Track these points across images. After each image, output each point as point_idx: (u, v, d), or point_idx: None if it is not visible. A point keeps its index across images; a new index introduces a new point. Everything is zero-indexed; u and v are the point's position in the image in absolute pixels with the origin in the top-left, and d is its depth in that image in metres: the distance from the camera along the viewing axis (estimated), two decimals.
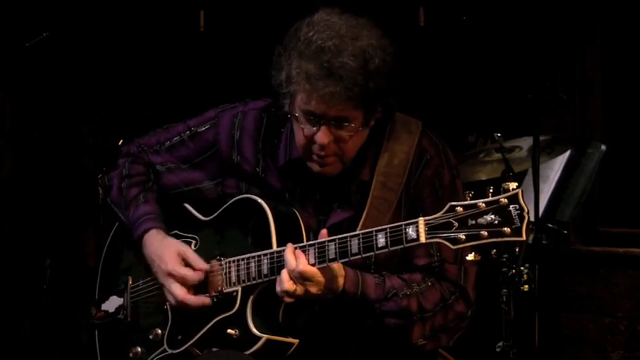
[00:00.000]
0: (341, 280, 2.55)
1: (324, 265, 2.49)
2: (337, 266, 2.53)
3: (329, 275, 2.52)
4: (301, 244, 2.54)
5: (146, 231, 2.80)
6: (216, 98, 3.03)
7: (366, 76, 2.48)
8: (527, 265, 3.46)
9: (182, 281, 2.69)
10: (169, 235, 2.83)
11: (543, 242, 3.88)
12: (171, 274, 2.71)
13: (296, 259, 2.49)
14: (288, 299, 2.52)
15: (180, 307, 2.70)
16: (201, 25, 4.83)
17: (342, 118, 2.53)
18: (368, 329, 2.65)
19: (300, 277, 2.48)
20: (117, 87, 4.94)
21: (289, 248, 2.52)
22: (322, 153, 2.58)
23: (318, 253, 2.49)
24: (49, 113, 4.69)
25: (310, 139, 2.58)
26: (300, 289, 2.49)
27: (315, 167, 2.64)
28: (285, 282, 2.49)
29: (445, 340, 2.70)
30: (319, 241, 2.51)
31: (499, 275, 3.44)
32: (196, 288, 2.71)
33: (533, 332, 3.54)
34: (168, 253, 2.72)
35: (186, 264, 2.71)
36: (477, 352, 3.76)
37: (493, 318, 3.43)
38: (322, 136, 2.55)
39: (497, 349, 3.42)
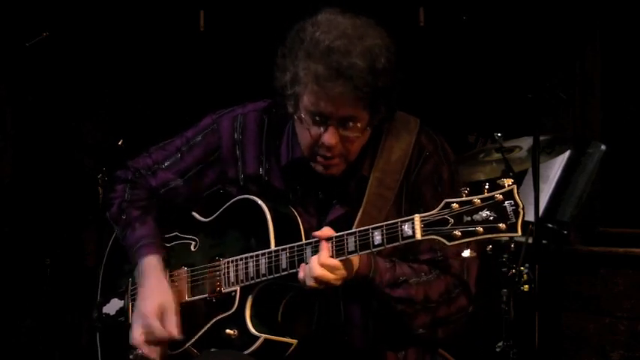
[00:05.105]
0: (356, 260, 2.53)
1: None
2: None
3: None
4: (298, 244, 2.53)
5: (143, 257, 2.75)
6: (216, 98, 3.03)
7: (375, 75, 2.47)
8: (527, 265, 3.46)
9: (147, 330, 2.66)
10: (169, 235, 2.84)
11: (543, 242, 3.87)
12: (142, 318, 2.67)
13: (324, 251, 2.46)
14: (313, 285, 2.48)
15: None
16: (201, 25, 4.84)
17: (349, 118, 2.52)
18: (373, 313, 2.64)
19: (328, 268, 2.46)
20: (117, 86, 4.95)
21: (325, 233, 2.48)
22: (328, 154, 2.57)
23: (314, 252, 2.48)
24: (49, 113, 4.69)
25: (316, 141, 2.56)
26: (327, 277, 2.46)
27: (319, 168, 2.62)
28: (317, 269, 2.45)
29: (442, 333, 2.69)
30: (315, 240, 2.50)
31: (499, 275, 3.44)
32: (194, 289, 2.72)
33: (533, 332, 3.54)
34: (152, 301, 2.68)
35: (163, 319, 2.67)
36: (476, 352, 3.76)
37: (493, 318, 3.44)
38: (330, 137, 2.53)
39: (498, 349, 3.43)
